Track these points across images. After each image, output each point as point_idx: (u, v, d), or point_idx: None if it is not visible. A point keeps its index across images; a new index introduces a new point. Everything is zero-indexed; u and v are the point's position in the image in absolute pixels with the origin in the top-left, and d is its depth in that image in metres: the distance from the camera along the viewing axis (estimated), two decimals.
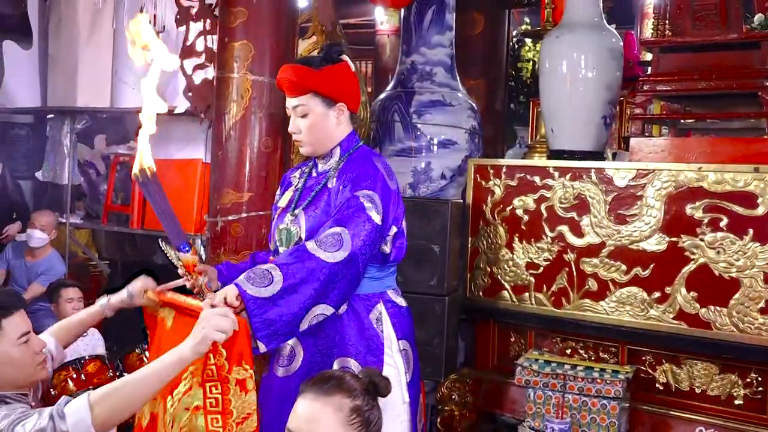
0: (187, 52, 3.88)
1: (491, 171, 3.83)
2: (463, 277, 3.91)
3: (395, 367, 2.43)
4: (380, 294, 2.49)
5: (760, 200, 3.16)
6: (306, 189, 2.56)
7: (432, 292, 3.64)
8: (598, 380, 3.21)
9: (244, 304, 2.15)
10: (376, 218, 2.34)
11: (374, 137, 4.48)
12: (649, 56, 4.07)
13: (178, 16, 3.93)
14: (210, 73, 3.77)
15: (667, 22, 3.83)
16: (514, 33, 7.24)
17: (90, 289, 5.11)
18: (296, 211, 2.50)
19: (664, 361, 3.40)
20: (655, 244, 3.36)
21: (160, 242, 2.33)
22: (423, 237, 3.65)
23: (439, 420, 3.84)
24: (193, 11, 3.87)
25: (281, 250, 2.48)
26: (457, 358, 3.94)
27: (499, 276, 3.82)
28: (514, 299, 3.67)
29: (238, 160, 3.46)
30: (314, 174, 2.59)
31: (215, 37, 3.68)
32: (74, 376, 3.59)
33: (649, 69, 3.81)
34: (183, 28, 3.91)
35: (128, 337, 4.22)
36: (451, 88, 4.40)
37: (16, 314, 2.23)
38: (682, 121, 3.98)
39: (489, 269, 3.85)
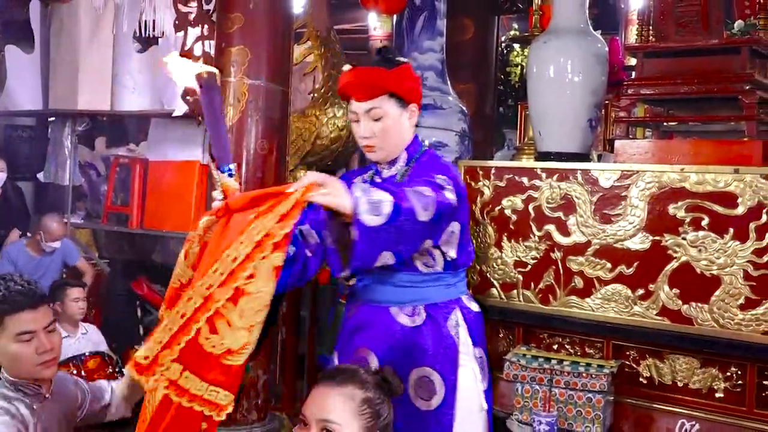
0: (185, 56, 3.96)
1: (480, 172, 3.93)
2: None
3: (473, 373, 2.42)
4: (456, 300, 2.48)
5: (739, 200, 3.26)
6: None
7: None
8: (584, 374, 3.30)
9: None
10: (449, 198, 2.26)
11: None
12: (633, 61, 4.16)
13: (176, 22, 4.01)
14: None
15: (650, 28, 3.91)
16: (503, 38, 7.35)
17: (91, 288, 5.19)
18: None
19: (647, 355, 3.50)
20: (639, 242, 3.47)
21: (207, 157, 2.23)
22: None
23: None
24: (191, 17, 3.95)
25: None
26: None
27: (488, 274, 3.91)
28: (503, 296, 3.75)
29: (235, 162, 3.53)
30: (377, 180, 2.50)
31: (213, 42, 3.76)
32: (74, 372, 3.67)
33: (634, 73, 3.90)
34: (181, 34, 3.99)
35: (127, 334, 4.31)
36: (442, 92, 4.50)
37: (27, 312, 2.27)
38: (665, 123, 4.06)
39: (478, 267, 3.94)
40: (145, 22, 4.73)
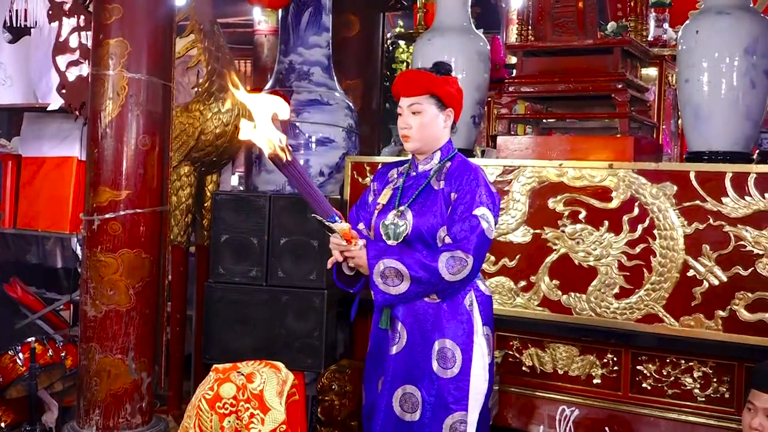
0: (60, 48, 3.78)
1: (368, 168, 3.96)
2: None
3: (481, 349, 2.69)
4: (471, 283, 2.70)
5: (614, 194, 3.41)
6: (407, 188, 2.77)
7: (311, 285, 3.73)
8: None
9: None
10: (491, 236, 2.65)
11: None
12: (513, 59, 4.27)
13: (50, 12, 3.83)
14: (84, 69, 3.69)
15: (530, 27, 4.04)
16: (389, 35, 7.40)
17: None
18: (401, 208, 2.71)
19: (529, 345, 3.62)
20: (521, 236, 3.58)
21: (312, 217, 2.54)
22: (302, 233, 3.73)
23: (319, 410, 3.92)
24: (66, 7, 3.77)
25: (389, 242, 2.70)
26: (336, 349, 4.03)
27: None
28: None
29: (115, 158, 3.42)
30: (413, 174, 2.81)
31: (90, 33, 3.62)
32: None
33: (514, 71, 4.00)
34: (56, 24, 3.82)
35: (2, 339, 4.11)
36: (328, 87, 4.49)
37: None
38: (544, 120, 4.19)
39: None
40: (17, 11, 4.51)
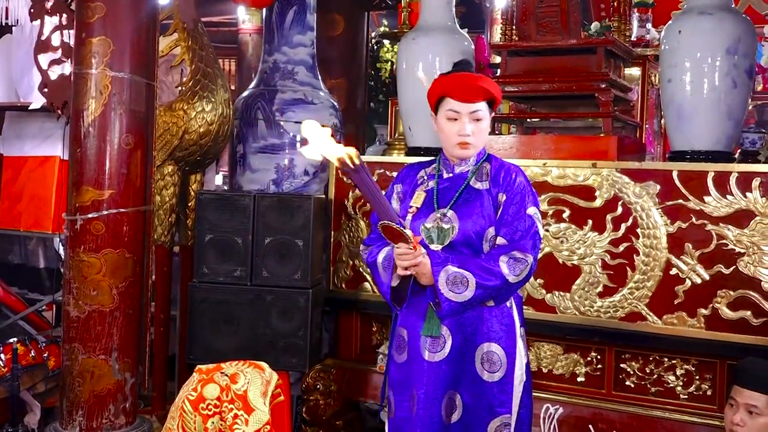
0: (42, 46, 3.76)
1: None
2: (326, 270, 4.02)
3: (520, 350, 2.69)
4: None
5: (597, 193, 3.43)
6: (443, 190, 2.73)
7: (296, 285, 3.72)
8: None
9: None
10: (542, 235, 2.69)
11: (238, 134, 4.51)
12: (498, 59, 4.27)
13: (32, 10, 3.81)
14: (67, 68, 3.67)
15: (514, 27, 4.04)
16: (373, 34, 7.40)
17: None
18: (444, 211, 2.66)
19: None
20: None
21: (381, 224, 2.50)
22: (287, 232, 3.72)
23: (304, 409, 3.93)
24: (48, 5, 3.75)
25: (432, 247, 2.63)
26: (321, 349, 4.03)
27: (360, 269, 3.95)
28: (375, 291, 3.79)
29: (98, 157, 3.40)
30: (445, 175, 2.76)
31: (72, 31, 3.59)
32: None
33: (499, 71, 4.00)
34: (38, 23, 3.79)
35: None
36: (312, 86, 4.49)
37: None
38: (528, 120, 4.20)
39: (351, 262, 3.97)
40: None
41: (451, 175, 2.75)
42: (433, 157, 2.87)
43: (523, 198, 2.65)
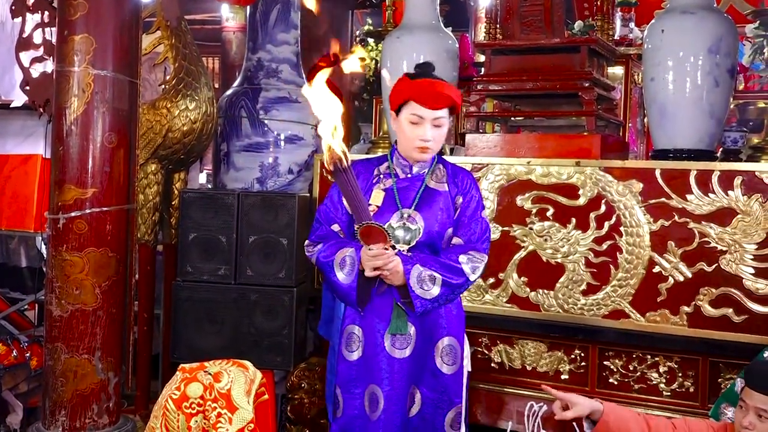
0: (23, 44, 3.73)
1: None
2: (310, 268, 4.01)
3: (466, 340, 2.83)
4: None
5: (581, 191, 3.44)
6: (402, 189, 2.78)
7: (280, 284, 3.72)
8: None
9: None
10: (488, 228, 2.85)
11: (222, 132, 4.50)
12: (482, 58, 4.28)
13: (13, 7, 3.77)
14: (49, 66, 3.64)
15: (498, 26, 4.05)
16: (357, 33, 7.40)
17: None
18: (409, 211, 2.73)
19: (498, 341, 3.64)
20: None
21: (357, 227, 2.54)
22: (271, 230, 3.72)
23: (289, 408, 3.92)
24: (30, 2, 3.72)
25: (399, 246, 2.69)
26: (305, 348, 4.03)
27: None
28: None
29: (81, 156, 3.38)
30: (401, 175, 2.81)
31: (54, 29, 3.57)
32: None
33: (483, 70, 4.01)
34: (19, 20, 3.76)
35: None
36: (297, 84, 4.48)
37: None
38: (512, 118, 4.21)
39: None
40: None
41: (409, 175, 2.81)
42: (383, 154, 2.91)
43: (478, 202, 2.80)
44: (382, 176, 2.83)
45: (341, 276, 2.68)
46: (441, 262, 2.67)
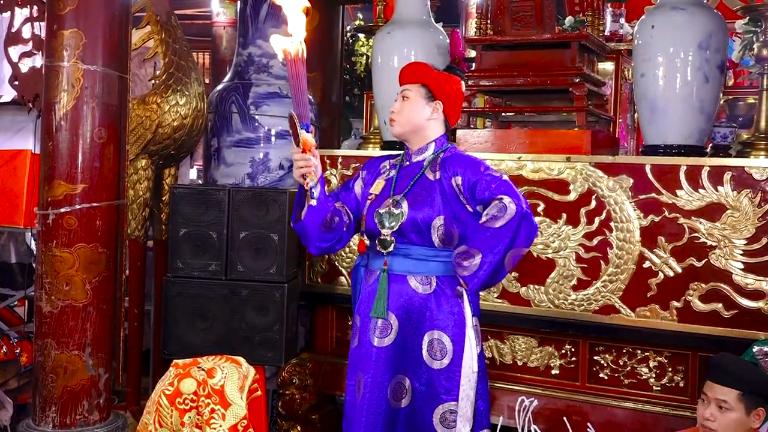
0: (12, 38, 3.72)
1: (328, 161, 3.95)
2: (301, 264, 4.01)
3: (470, 339, 2.72)
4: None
5: (571, 187, 3.45)
6: (401, 178, 2.83)
7: (271, 279, 3.71)
8: None
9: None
10: (507, 177, 2.74)
11: (212, 128, 4.49)
12: (473, 53, 4.28)
13: (1, 2, 3.76)
14: (38, 61, 3.63)
15: (488, 21, 4.05)
16: (349, 28, 7.39)
17: None
18: (397, 198, 2.76)
19: (489, 337, 3.64)
20: None
21: (289, 114, 2.58)
22: (262, 226, 3.71)
23: (280, 404, 3.92)
24: None
25: (383, 232, 2.74)
26: (297, 343, 4.03)
27: (336, 262, 3.95)
28: (350, 285, 3.78)
29: (70, 151, 3.37)
30: (406, 164, 2.86)
31: (43, 23, 3.55)
32: None
33: (473, 65, 4.01)
34: (8, 14, 3.75)
35: None
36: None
37: None
38: (503, 114, 4.21)
39: (327, 256, 3.96)
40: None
41: (409, 164, 2.85)
42: (402, 152, 2.94)
43: (487, 167, 2.74)
44: (388, 168, 2.90)
45: (300, 210, 2.75)
46: (469, 234, 2.66)
